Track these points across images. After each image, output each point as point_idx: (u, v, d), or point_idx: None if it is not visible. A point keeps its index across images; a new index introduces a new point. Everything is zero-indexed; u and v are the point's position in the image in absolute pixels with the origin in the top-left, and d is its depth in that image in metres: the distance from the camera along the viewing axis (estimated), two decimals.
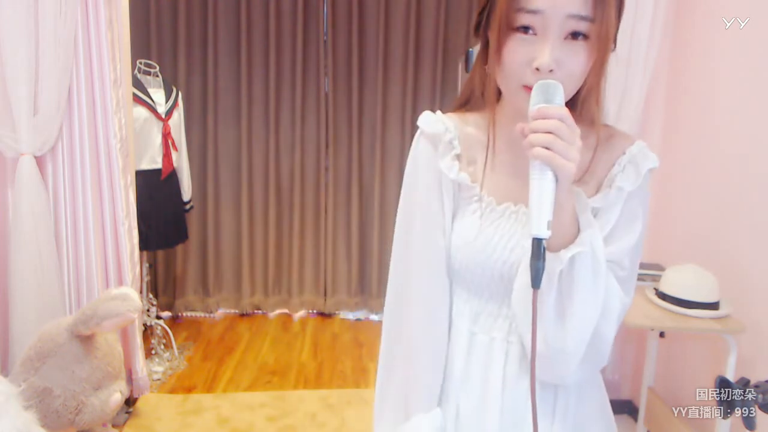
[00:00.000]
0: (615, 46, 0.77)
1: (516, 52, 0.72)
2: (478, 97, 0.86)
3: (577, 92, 0.76)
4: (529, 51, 0.71)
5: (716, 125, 2.14)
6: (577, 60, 0.71)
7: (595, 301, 0.74)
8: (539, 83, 0.69)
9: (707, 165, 2.19)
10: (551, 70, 0.70)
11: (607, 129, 0.85)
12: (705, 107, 2.23)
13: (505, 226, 0.81)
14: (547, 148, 0.66)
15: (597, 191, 0.82)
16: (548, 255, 0.72)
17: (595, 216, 0.79)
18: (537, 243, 0.68)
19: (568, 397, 0.83)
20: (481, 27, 0.80)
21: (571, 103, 0.79)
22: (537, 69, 0.70)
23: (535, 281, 0.68)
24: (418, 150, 0.86)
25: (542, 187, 0.68)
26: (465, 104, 0.89)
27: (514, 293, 0.78)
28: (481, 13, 0.79)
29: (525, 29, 0.71)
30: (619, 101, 2.34)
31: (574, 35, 0.70)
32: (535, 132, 0.67)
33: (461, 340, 0.84)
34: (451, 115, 0.88)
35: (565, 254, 0.71)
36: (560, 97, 0.69)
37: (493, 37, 0.74)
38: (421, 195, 0.84)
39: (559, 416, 0.83)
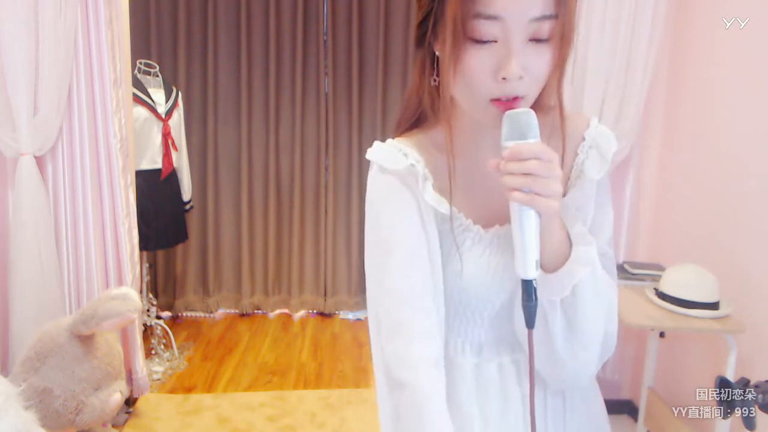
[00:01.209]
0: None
1: (476, 62, 0.64)
2: (429, 114, 0.78)
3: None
4: (491, 60, 0.64)
5: (716, 125, 2.14)
6: (543, 61, 0.65)
7: (601, 313, 0.73)
8: (509, 114, 0.64)
9: (707, 165, 2.18)
10: (521, 78, 0.64)
11: (557, 112, 0.79)
12: (705, 107, 2.23)
13: (497, 251, 0.76)
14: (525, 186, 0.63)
15: (567, 182, 0.79)
16: (548, 276, 0.70)
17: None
18: (526, 284, 0.66)
19: (573, 399, 0.83)
20: (426, 38, 0.70)
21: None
22: (504, 79, 0.64)
23: (529, 322, 0.67)
24: (382, 188, 0.78)
25: (523, 227, 0.65)
26: (414, 125, 0.82)
27: (517, 329, 0.77)
28: (422, 23, 0.70)
29: (484, 40, 0.64)
30: (619, 101, 2.34)
31: (537, 38, 0.64)
32: (511, 174, 0.63)
33: (467, 376, 0.79)
34: (403, 140, 0.79)
35: (568, 281, 0.69)
36: (534, 128, 0.64)
37: (445, 48, 0.65)
38: (397, 235, 0.76)
39: (569, 418, 0.83)
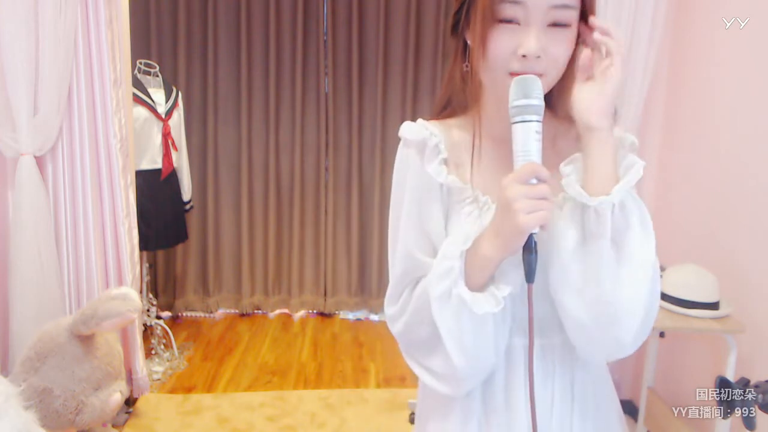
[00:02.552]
0: None
1: (501, 42, 0.73)
2: (460, 98, 0.86)
3: (556, 86, 0.77)
4: (513, 40, 0.72)
5: (716, 125, 2.14)
6: (561, 47, 0.73)
7: (650, 245, 0.72)
8: (517, 78, 0.71)
9: (707, 165, 2.19)
10: (538, 57, 0.71)
11: None
12: (705, 107, 2.23)
13: None
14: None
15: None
16: (595, 199, 0.71)
17: None
18: (529, 238, 0.69)
19: (585, 395, 0.83)
20: (459, 26, 0.80)
21: (549, 98, 0.79)
22: (523, 56, 0.72)
23: (529, 275, 0.69)
24: (403, 159, 0.85)
25: (527, 144, 0.70)
26: (444, 109, 0.89)
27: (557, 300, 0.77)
28: (457, 12, 0.80)
29: (509, 20, 0.72)
30: (619, 101, 2.34)
31: (557, 23, 0.72)
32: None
33: None
34: (432, 121, 0.87)
35: (617, 194, 0.70)
36: (539, 91, 0.70)
37: (475, 30, 0.74)
38: (407, 205, 0.83)
39: (576, 415, 0.82)
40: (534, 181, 0.68)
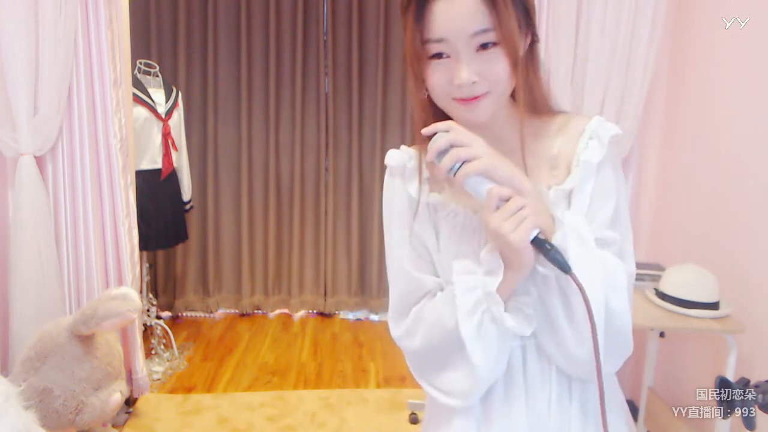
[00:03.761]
0: (537, 38, 0.81)
1: (437, 76, 0.78)
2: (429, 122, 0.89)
3: (519, 85, 0.79)
4: (447, 73, 0.76)
5: (716, 125, 2.14)
6: (497, 66, 0.75)
7: (595, 274, 0.73)
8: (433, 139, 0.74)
9: (707, 165, 2.18)
10: (474, 82, 0.75)
11: (564, 115, 0.88)
12: (705, 107, 2.23)
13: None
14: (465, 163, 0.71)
15: (568, 174, 0.83)
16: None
17: (571, 197, 0.81)
18: (537, 242, 0.71)
19: (584, 397, 0.83)
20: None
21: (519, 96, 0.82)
22: (459, 85, 0.75)
23: (564, 267, 0.70)
24: (389, 185, 0.90)
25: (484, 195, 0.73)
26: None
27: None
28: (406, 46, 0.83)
29: (438, 55, 0.76)
30: (619, 101, 2.34)
31: (484, 45, 0.74)
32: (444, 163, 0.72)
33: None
34: (414, 146, 0.91)
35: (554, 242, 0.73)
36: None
37: (412, 68, 0.80)
38: (397, 230, 0.87)
39: (574, 413, 0.82)
40: (501, 202, 0.71)
